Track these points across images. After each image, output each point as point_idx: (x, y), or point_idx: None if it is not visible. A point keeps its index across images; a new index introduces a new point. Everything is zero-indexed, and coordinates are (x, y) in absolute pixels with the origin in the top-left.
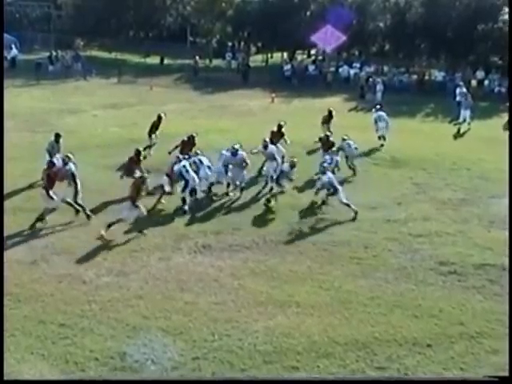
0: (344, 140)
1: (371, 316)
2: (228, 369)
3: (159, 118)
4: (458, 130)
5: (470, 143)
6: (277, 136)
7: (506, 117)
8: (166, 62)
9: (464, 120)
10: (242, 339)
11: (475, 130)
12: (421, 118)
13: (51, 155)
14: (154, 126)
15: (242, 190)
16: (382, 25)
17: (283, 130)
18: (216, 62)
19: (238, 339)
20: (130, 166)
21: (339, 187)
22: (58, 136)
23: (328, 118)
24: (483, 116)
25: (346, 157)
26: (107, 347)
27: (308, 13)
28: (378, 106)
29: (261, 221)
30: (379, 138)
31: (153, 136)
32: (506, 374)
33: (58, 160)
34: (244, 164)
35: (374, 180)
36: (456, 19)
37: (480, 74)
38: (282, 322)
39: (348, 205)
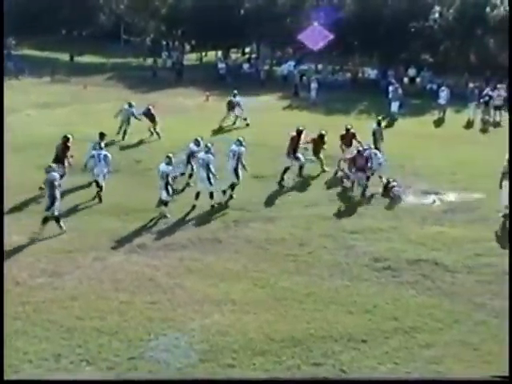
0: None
1: (306, 312)
2: (164, 368)
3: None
4: (390, 125)
5: (403, 140)
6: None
7: (436, 114)
8: (100, 60)
9: (394, 112)
10: (178, 338)
11: (407, 127)
12: (355, 116)
13: None
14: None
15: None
16: (315, 23)
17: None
18: (150, 60)
19: (174, 338)
20: (62, 153)
21: None
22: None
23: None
24: (415, 113)
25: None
26: (41, 349)
27: (242, 11)
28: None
29: (196, 219)
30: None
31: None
32: (439, 368)
33: None
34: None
35: (309, 177)
36: (388, 17)
37: (412, 71)
38: (218, 320)
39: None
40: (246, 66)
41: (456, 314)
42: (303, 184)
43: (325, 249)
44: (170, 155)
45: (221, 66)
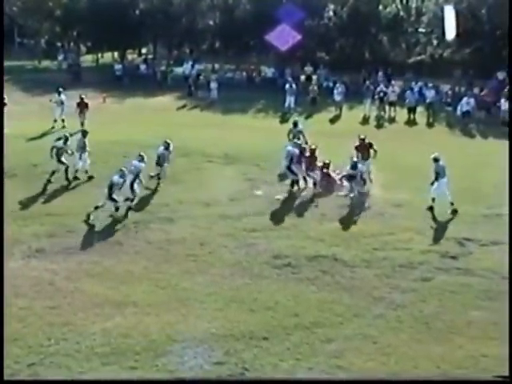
0: None
1: (208, 312)
2: (66, 373)
3: None
4: (285, 121)
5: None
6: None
7: (333, 111)
8: None
9: (289, 106)
10: (80, 342)
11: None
12: (252, 114)
13: None
14: None
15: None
16: (211, 22)
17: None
18: (46, 62)
19: (75, 342)
20: None
21: None
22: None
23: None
24: (312, 110)
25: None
26: None
27: (137, 11)
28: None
29: (95, 222)
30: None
31: None
32: (340, 362)
33: None
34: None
35: (208, 177)
36: (282, 16)
37: (308, 69)
38: (120, 322)
39: None
40: (142, 66)
41: (356, 308)
42: (203, 184)
43: (225, 248)
44: (143, 153)
45: (117, 67)
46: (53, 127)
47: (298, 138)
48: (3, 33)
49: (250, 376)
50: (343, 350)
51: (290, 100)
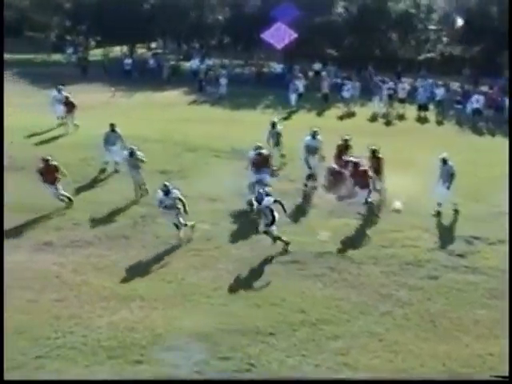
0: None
1: (214, 307)
2: (72, 366)
3: None
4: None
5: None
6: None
7: (341, 107)
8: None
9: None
10: (86, 335)
11: (311, 121)
12: (261, 110)
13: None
14: None
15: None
16: (220, 17)
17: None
18: (56, 56)
19: (81, 336)
20: None
21: None
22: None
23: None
24: (319, 107)
25: None
26: None
27: (147, 6)
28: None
29: (102, 216)
30: None
31: None
32: (346, 359)
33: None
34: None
35: (215, 172)
36: None
37: (317, 65)
38: (126, 316)
39: None
40: (151, 61)
41: (362, 306)
42: (210, 178)
43: (231, 243)
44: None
45: (126, 61)
46: (61, 124)
47: (278, 139)
48: (3, 33)
49: (256, 372)
50: (349, 347)
51: (292, 97)
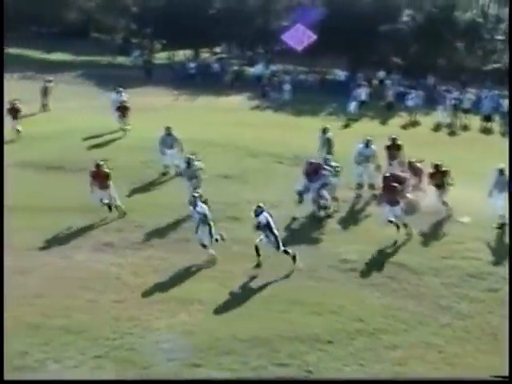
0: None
1: (272, 313)
2: (130, 367)
3: None
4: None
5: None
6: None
7: (405, 116)
8: (69, 58)
9: (353, 110)
10: (144, 337)
11: (373, 129)
12: (324, 117)
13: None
14: None
15: None
16: (285, 23)
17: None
18: (121, 58)
19: (139, 337)
20: None
21: None
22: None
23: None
24: (382, 115)
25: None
26: (6, 346)
27: (212, 11)
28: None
29: (163, 218)
30: None
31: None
32: (404, 368)
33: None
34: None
35: (277, 178)
36: (358, 19)
37: (381, 73)
38: (185, 319)
39: None
40: (215, 65)
41: (421, 316)
42: (271, 184)
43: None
44: None
45: (190, 65)
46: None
47: (329, 145)
48: (3, 33)
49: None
50: (407, 357)
51: (352, 104)
